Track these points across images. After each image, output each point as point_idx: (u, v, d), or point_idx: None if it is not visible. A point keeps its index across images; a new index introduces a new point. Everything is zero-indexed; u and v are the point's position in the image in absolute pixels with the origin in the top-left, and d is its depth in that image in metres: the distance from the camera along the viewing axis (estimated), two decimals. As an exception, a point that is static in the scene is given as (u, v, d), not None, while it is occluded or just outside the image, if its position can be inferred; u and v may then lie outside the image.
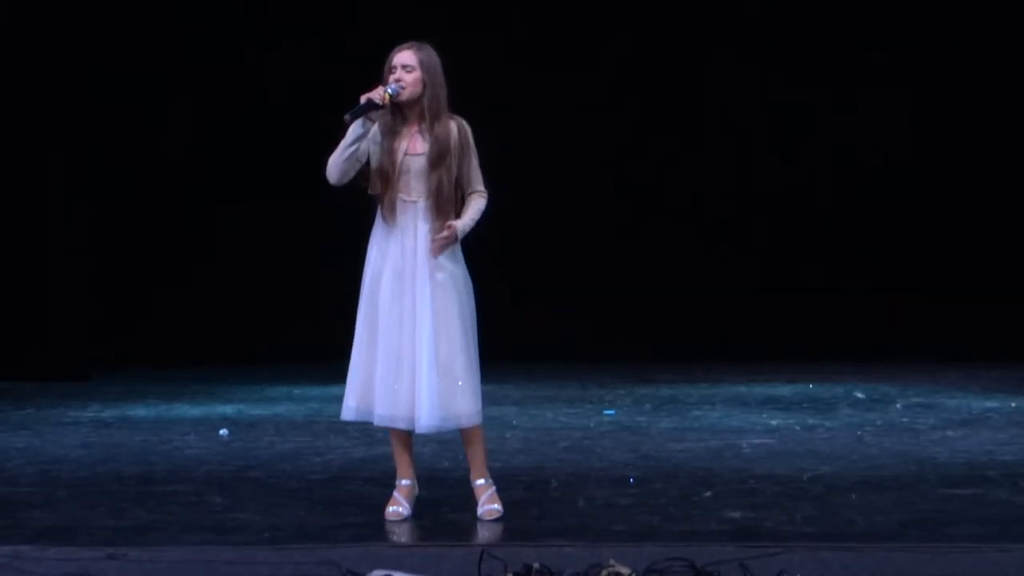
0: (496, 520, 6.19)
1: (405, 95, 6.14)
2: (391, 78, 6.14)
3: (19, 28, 12.05)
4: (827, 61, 13.28)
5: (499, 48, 13.02)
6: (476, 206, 6.22)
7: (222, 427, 9.11)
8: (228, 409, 10.20)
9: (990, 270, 13.10)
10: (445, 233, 6.11)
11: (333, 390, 11.23)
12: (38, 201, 12.15)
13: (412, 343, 6.11)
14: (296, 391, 11.30)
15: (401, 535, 6.06)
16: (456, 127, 6.21)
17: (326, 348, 12.97)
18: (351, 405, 6.22)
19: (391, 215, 6.17)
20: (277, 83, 13.40)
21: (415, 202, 6.17)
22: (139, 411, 10.13)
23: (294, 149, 13.16)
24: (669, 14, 13.30)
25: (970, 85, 13.16)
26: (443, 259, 6.16)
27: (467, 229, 6.18)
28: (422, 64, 6.15)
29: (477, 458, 6.31)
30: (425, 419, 6.10)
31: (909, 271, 13.23)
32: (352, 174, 6.18)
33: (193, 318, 13.16)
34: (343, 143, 6.14)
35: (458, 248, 6.24)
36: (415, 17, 11.67)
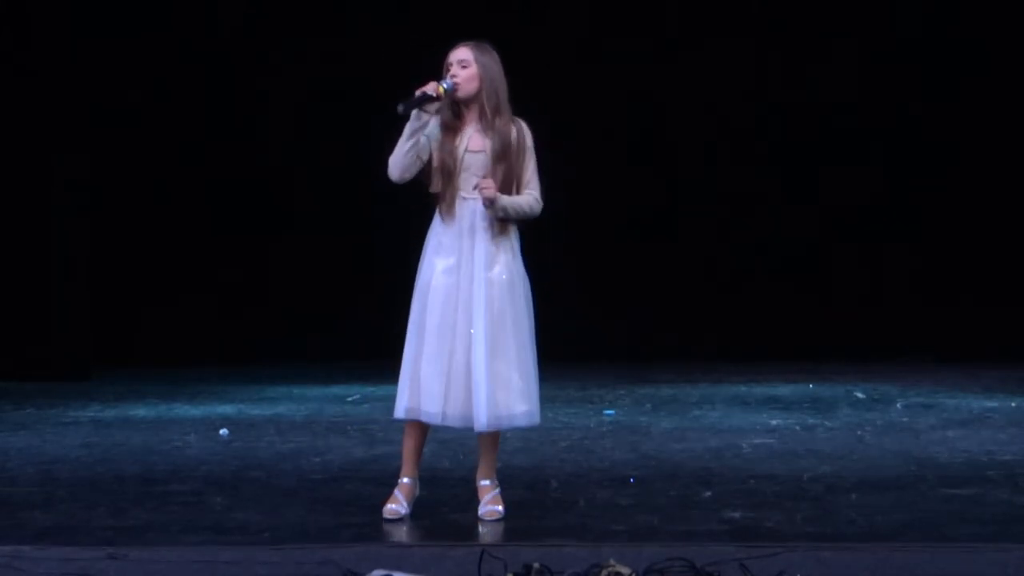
0: (496, 521, 6.19)
1: (460, 91, 6.15)
2: (447, 74, 6.16)
3: (21, 27, 12.05)
4: (833, 59, 13.30)
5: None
6: (524, 198, 6.21)
7: (222, 427, 9.11)
8: (228, 409, 10.20)
9: (991, 270, 13.10)
10: (489, 182, 6.09)
11: (333, 390, 11.28)
12: (39, 200, 12.14)
13: (466, 341, 6.10)
14: (296, 391, 11.30)
15: (401, 535, 6.05)
16: (516, 129, 6.22)
17: (326, 348, 13.10)
18: (402, 404, 6.19)
19: (450, 212, 6.17)
20: (277, 84, 13.40)
21: (475, 199, 6.17)
22: (139, 411, 10.13)
23: (295, 148, 13.20)
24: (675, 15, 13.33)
25: (970, 85, 13.16)
26: (500, 256, 6.16)
27: (506, 207, 6.13)
28: (478, 61, 6.17)
29: (489, 459, 6.31)
30: (483, 419, 6.08)
31: (909, 271, 13.23)
32: (414, 170, 6.17)
33: (194, 318, 13.15)
34: (402, 138, 6.14)
35: (516, 245, 6.25)
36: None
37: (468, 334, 6.10)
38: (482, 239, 6.16)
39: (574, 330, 12.96)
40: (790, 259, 13.37)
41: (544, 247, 12.98)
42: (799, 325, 13.05)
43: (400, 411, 6.21)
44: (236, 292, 13.21)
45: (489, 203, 6.11)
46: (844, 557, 5.44)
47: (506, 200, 6.15)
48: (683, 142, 13.46)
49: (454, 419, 6.13)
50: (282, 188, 13.25)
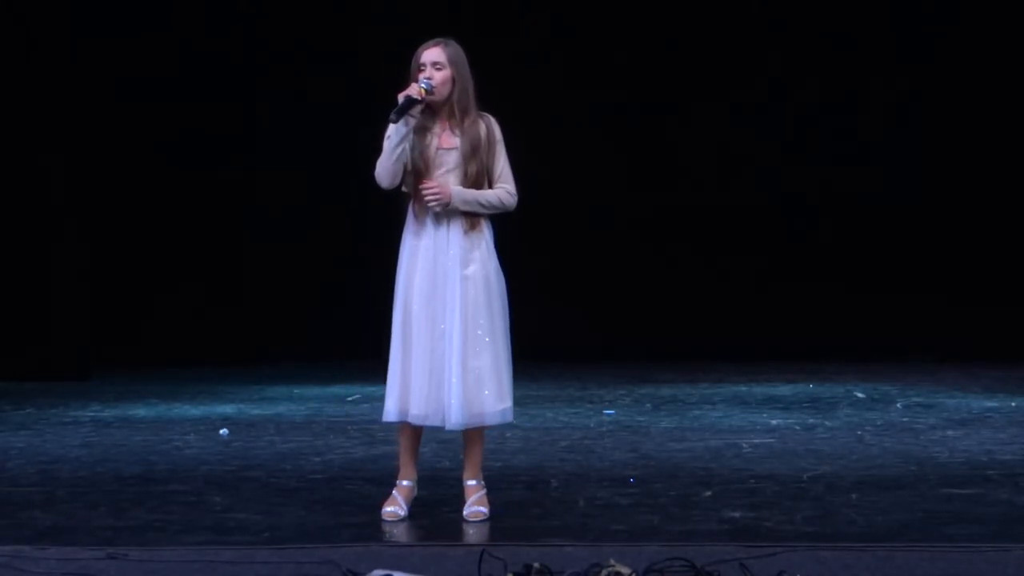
0: (481, 522, 6.17)
1: (436, 92, 6.14)
2: (421, 76, 6.13)
3: (20, 26, 12.06)
4: (829, 55, 13.32)
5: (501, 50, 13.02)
6: (493, 191, 6.18)
7: (222, 427, 9.11)
8: (228, 409, 10.21)
9: (991, 270, 13.11)
10: (433, 184, 6.09)
11: (333, 390, 11.28)
12: (39, 201, 12.15)
13: (443, 340, 6.11)
14: (296, 391, 11.31)
15: (401, 535, 6.05)
16: (485, 124, 6.21)
17: (326, 348, 13.10)
18: (390, 408, 6.20)
19: (423, 211, 6.16)
20: (278, 85, 13.41)
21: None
22: (139, 411, 10.13)
23: (295, 149, 13.21)
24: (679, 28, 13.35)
25: (973, 85, 13.17)
26: (476, 253, 6.15)
27: (465, 200, 6.10)
28: (451, 61, 6.15)
29: (474, 458, 6.30)
30: (454, 417, 6.09)
31: (910, 271, 13.24)
32: (401, 175, 6.16)
33: (194, 318, 13.16)
34: (389, 145, 6.10)
35: (491, 240, 6.22)
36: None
37: (444, 334, 6.10)
38: (456, 236, 6.14)
39: (574, 330, 12.98)
40: (790, 259, 13.37)
41: (544, 249, 13.11)
42: (799, 325, 13.06)
43: (392, 414, 6.20)
44: (237, 292, 13.22)
45: (442, 207, 6.11)
46: (844, 557, 5.43)
47: (471, 195, 6.14)
48: (686, 146, 13.47)
49: (436, 419, 6.14)
50: (283, 188, 13.26)
